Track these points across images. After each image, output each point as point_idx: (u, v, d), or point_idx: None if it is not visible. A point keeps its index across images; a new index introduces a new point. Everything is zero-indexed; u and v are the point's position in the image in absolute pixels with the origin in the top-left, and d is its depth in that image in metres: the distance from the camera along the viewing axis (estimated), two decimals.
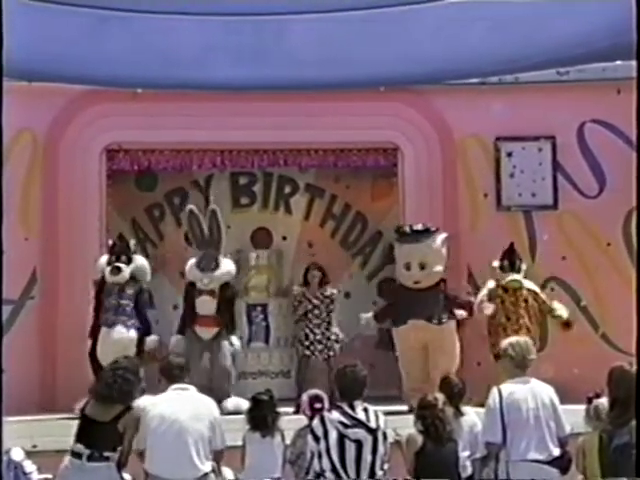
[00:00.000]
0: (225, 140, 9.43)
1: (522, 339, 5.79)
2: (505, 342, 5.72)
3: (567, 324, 8.72)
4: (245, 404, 7.13)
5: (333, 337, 9.05)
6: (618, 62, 8.70)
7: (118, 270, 8.37)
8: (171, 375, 5.58)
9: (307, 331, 9.03)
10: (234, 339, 8.73)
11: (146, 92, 8.87)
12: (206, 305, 8.62)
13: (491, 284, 8.71)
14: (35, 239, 9.09)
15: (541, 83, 9.14)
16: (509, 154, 9.52)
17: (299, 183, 10.18)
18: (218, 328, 8.61)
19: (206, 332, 8.59)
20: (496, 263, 8.71)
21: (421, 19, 7.18)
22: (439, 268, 8.56)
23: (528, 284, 8.76)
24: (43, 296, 9.08)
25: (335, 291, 9.20)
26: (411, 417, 5.56)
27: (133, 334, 8.37)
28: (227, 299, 8.76)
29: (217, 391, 7.66)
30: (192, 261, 8.80)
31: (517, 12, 7.04)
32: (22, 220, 8.84)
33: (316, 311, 9.04)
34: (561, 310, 8.73)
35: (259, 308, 9.74)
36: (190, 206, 8.89)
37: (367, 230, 10.14)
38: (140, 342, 8.36)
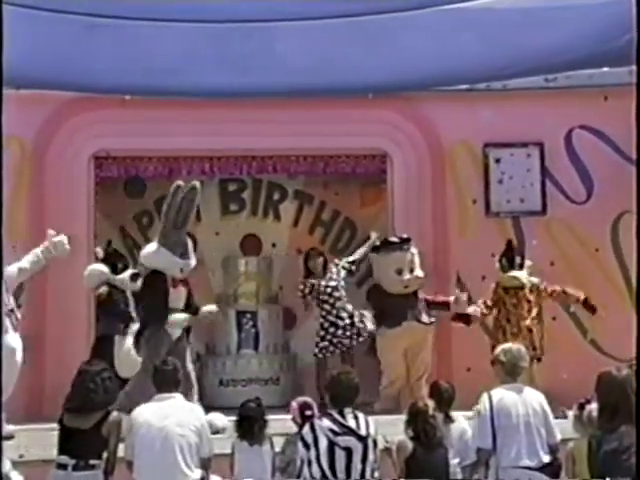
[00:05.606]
0: (214, 147, 9.41)
1: (515, 346, 5.79)
2: (498, 348, 5.77)
3: (587, 302, 8.47)
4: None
5: (358, 318, 8.76)
6: (605, 69, 8.75)
7: (137, 277, 7.90)
8: (163, 383, 5.54)
9: (332, 319, 8.76)
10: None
11: (134, 99, 8.86)
12: (180, 297, 7.55)
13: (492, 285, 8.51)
14: (22, 247, 9.03)
15: (529, 90, 9.17)
16: (497, 160, 9.53)
17: (288, 190, 10.18)
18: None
19: (176, 329, 7.49)
20: (497, 264, 8.55)
21: (410, 27, 7.21)
22: (421, 273, 8.78)
23: (530, 280, 8.48)
24: (30, 305, 9.02)
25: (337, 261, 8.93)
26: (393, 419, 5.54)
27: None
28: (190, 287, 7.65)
29: None
30: (157, 247, 7.50)
31: (505, 19, 7.08)
32: (9, 228, 8.74)
33: (336, 293, 8.89)
34: (575, 291, 8.52)
35: (248, 315, 9.70)
36: (178, 182, 7.62)
37: (356, 236, 10.14)
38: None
